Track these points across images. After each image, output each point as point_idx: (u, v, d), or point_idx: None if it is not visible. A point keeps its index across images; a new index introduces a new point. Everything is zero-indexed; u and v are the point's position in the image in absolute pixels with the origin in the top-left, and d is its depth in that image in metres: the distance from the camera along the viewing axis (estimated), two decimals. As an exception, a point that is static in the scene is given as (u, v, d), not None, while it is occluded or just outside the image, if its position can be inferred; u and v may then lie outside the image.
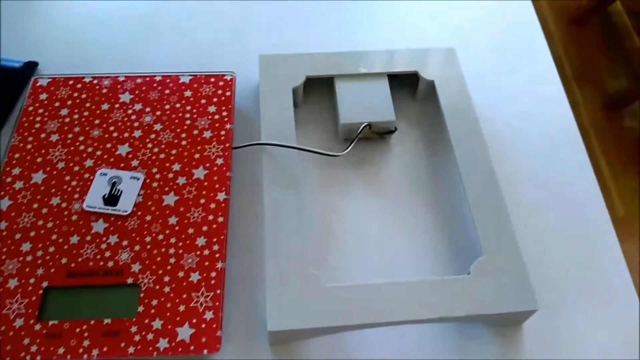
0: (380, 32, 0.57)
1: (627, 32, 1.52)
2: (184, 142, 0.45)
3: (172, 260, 0.39)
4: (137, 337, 0.36)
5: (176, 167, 0.44)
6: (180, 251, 0.40)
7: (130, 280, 0.39)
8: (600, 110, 1.39)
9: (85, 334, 0.36)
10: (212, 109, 0.47)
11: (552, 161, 0.50)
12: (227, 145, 0.45)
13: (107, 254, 0.39)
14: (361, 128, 0.46)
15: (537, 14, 0.61)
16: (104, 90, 0.47)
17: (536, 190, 0.48)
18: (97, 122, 0.46)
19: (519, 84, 0.54)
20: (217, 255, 0.40)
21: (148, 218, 0.41)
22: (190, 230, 0.41)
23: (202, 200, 0.42)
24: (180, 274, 0.39)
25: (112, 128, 0.45)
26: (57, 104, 0.46)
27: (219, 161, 0.44)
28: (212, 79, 0.49)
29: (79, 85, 0.47)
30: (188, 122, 0.46)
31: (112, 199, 0.42)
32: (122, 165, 0.43)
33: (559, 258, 0.44)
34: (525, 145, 0.50)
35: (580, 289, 0.43)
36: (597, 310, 0.42)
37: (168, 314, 0.37)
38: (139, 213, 0.41)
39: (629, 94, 1.38)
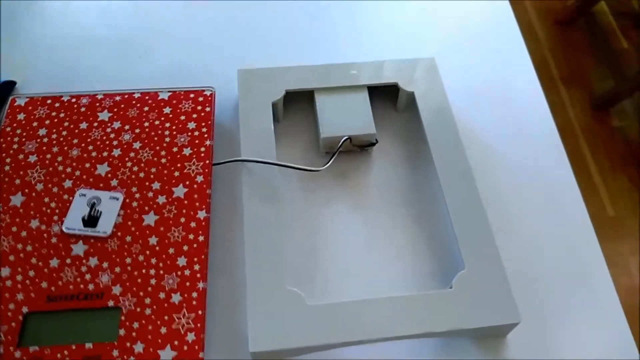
0: (360, 43, 0.57)
1: (612, 33, 1.53)
2: (163, 160, 0.44)
3: (152, 282, 0.39)
4: (118, 361, 0.36)
5: (156, 185, 0.43)
6: (161, 272, 0.39)
7: (111, 303, 0.38)
8: (588, 111, 1.39)
9: (67, 359, 0.36)
10: (191, 125, 0.46)
11: (533, 167, 0.50)
12: (207, 162, 0.45)
13: (88, 276, 0.39)
14: (342, 142, 0.46)
15: (522, 16, 0.61)
16: (83, 109, 0.47)
17: (517, 197, 0.48)
18: (75, 141, 0.45)
19: (498, 88, 0.55)
20: (198, 275, 0.39)
21: (128, 239, 0.41)
22: (171, 250, 0.40)
23: (183, 219, 0.42)
24: (162, 295, 0.38)
25: (91, 147, 0.45)
26: (35, 124, 0.46)
27: (199, 178, 0.44)
28: (192, 95, 0.48)
29: (57, 105, 0.47)
30: (167, 139, 0.46)
31: (91, 220, 0.41)
32: (101, 185, 0.43)
33: (540, 265, 0.44)
34: (505, 151, 0.50)
35: (563, 297, 0.43)
36: (581, 316, 0.42)
37: (150, 337, 0.37)
38: (119, 234, 0.41)
39: (616, 94, 1.39)
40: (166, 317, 0.38)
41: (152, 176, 0.44)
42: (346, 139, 0.46)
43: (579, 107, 1.40)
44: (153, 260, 0.40)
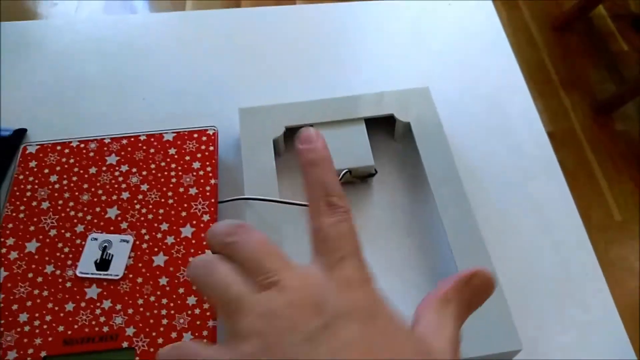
0: (355, 75, 0.59)
1: (611, 36, 1.54)
2: (170, 201, 0.46)
3: (164, 322, 0.40)
4: (134, 401, 0.38)
5: (164, 226, 0.45)
6: (172, 312, 0.41)
7: (125, 344, 0.40)
8: (590, 115, 1.40)
9: (85, 400, 0.38)
10: (196, 165, 0.48)
11: (525, 178, 0.51)
12: (213, 200, 0.46)
13: (102, 319, 0.41)
14: (342, 174, 0.47)
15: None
16: (91, 154, 0.49)
17: (511, 212, 0.49)
18: (85, 186, 0.47)
19: (488, 100, 0.56)
20: (208, 313, 0.41)
21: (139, 280, 0.42)
22: (181, 290, 0.42)
23: (191, 259, 0.43)
24: (173, 335, 0.40)
25: (100, 192, 0.47)
26: (46, 171, 0.48)
27: (205, 217, 0.45)
28: (195, 135, 0.50)
29: (66, 151, 0.49)
30: (174, 180, 0.47)
31: (103, 263, 0.43)
32: (111, 228, 0.45)
33: (537, 273, 0.46)
34: (497, 163, 0.52)
35: (560, 305, 0.44)
36: (578, 324, 0.44)
37: (163, 376, 0.38)
38: (130, 276, 0.43)
39: (617, 97, 1.39)
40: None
41: (160, 217, 0.45)
42: (346, 172, 0.47)
43: (580, 112, 1.40)
44: (164, 301, 0.41)
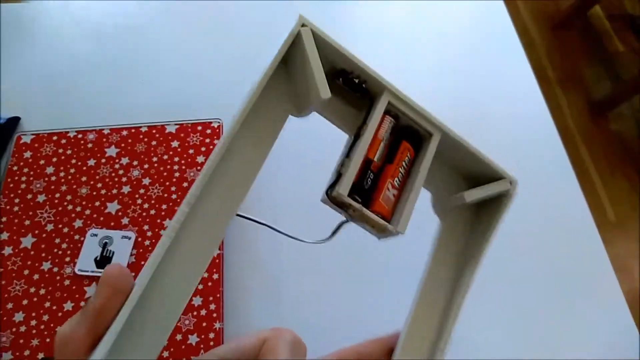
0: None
1: (607, 36, 1.54)
2: (173, 196, 0.44)
3: (168, 323, 0.39)
4: (137, 405, 0.36)
5: (167, 223, 0.43)
6: (177, 313, 0.39)
7: (127, 346, 0.38)
8: (585, 114, 1.40)
9: (84, 405, 0.36)
10: (200, 159, 0.46)
11: (537, 176, 0.50)
12: (218, 196, 0.44)
13: (102, 319, 0.39)
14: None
15: (517, 20, 0.61)
16: (90, 145, 0.47)
17: (525, 214, 0.48)
18: (84, 179, 0.45)
19: (501, 101, 0.55)
20: (215, 314, 0.39)
21: (142, 279, 0.40)
22: (186, 290, 0.40)
23: None
24: (178, 337, 0.38)
25: (99, 185, 0.45)
26: (42, 162, 0.46)
27: (211, 214, 0.43)
28: (199, 127, 0.48)
29: (63, 141, 0.47)
30: (177, 174, 0.45)
31: (104, 260, 0.41)
32: (112, 224, 0.43)
33: (548, 268, 0.45)
34: (508, 158, 0.51)
35: (571, 300, 0.44)
36: (589, 319, 0.43)
37: (168, 380, 0.37)
38: (132, 275, 0.40)
39: (613, 97, 1.39)
40: (184, 359, 0.37)
41: (163, 213, 0.43)
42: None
43: (576, 111, 1.40)
44: (168, 301, 0.39)
